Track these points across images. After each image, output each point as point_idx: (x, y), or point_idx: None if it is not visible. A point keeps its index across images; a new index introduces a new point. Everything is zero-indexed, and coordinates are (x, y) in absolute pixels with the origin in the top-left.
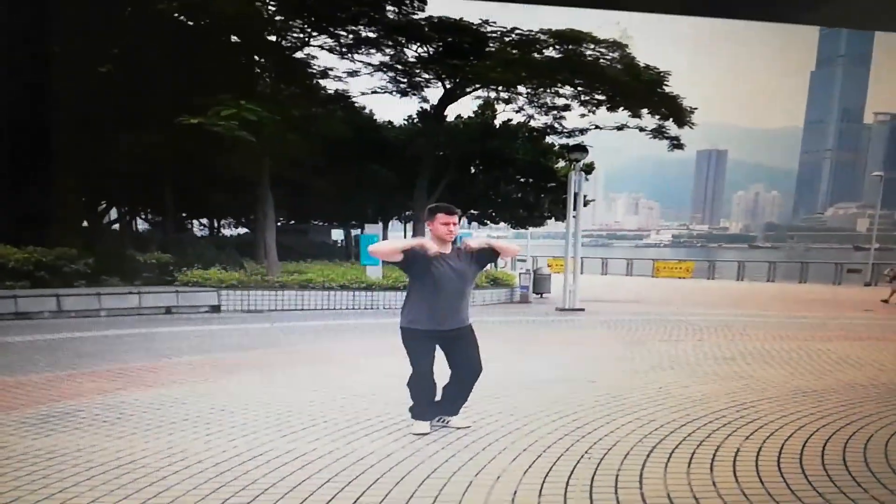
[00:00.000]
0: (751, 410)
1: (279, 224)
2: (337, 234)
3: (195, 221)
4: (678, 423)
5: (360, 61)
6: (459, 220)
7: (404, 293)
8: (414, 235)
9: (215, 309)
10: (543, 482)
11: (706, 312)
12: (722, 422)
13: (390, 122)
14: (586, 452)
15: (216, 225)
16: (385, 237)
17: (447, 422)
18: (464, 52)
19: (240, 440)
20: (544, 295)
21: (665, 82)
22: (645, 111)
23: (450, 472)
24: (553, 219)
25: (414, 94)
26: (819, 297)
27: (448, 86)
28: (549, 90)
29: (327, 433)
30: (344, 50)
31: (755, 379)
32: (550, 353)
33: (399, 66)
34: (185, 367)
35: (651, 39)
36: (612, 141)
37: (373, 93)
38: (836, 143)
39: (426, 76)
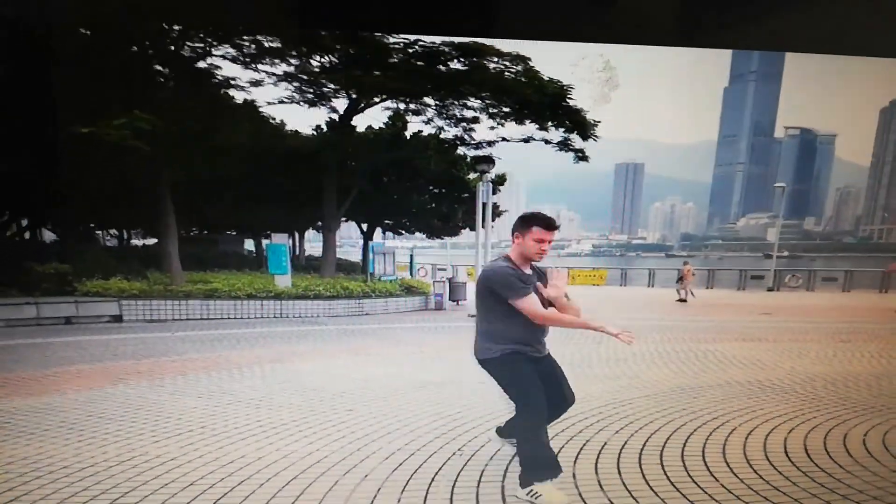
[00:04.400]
0: (628, 407)
1: (190, 234)
2: (251, 245)
3: (103, 232)
4: (556, 420)
5: (265, 71)
6: (373, 230)
7: (314, 301)
8: (325, 245)
9: (117, 319)
10: (409, 479)
11: (611, 317)
12: (598, 418)
13: (296, 132)
14: (458, 449)
15: (125, 236)
16: (301, 247)
17: None
18: (367, 64)
19: (111, 446)
20: (461, 302)
21: (568, 95)
22: (550, 124)
23: (318, 473)
24: (469, 229)
25: (322, 105)
26: (722, 302)
27: (354, 96)
28: (456, 102)
29: (202, 438)
30: (247, 60)
31: (640, 379)
32: (449, 357)
33: (304, 77)
34: (74, 375)
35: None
36: (534, 154)
37: (280, 102)
38: (748, 156)
39: (333, 86)
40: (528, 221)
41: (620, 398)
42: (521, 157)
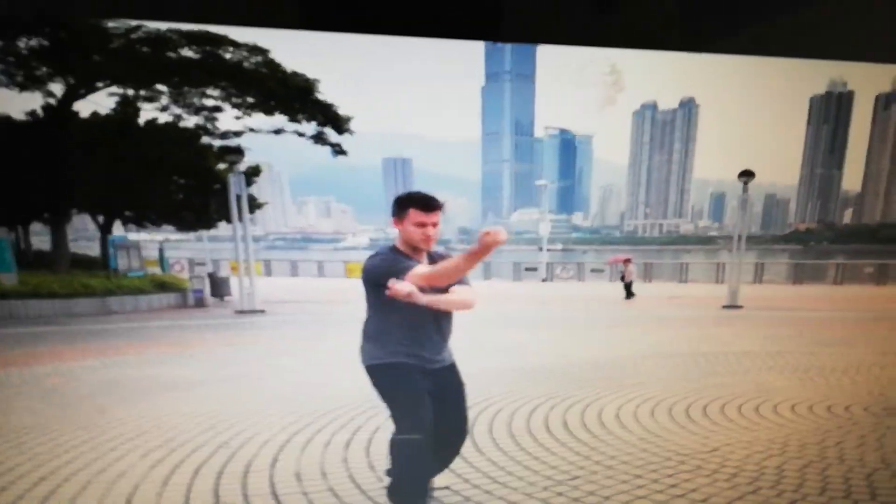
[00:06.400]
0: None
1: None
2: None
3: None
4: (323, 411)
5: None
6: (111, 223)
7: (50, 301)
8: (55, 239)
9: None
10: (171, 474)
11: None
12: (371, 405)
13: (8, 117)
14: (225, 443)
15: None
16: (28, 242)
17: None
18: (84, 48)
19: None
20: (225, 298)
21: (315, 90)
22: (301, 116)
23: (68, 474)
24: (226, 221)
25: (36, 89)
26: (499, 293)
27: (72, 81)
28: (193, 90)
29: None
30: None
31: None
32: (218, 355)
33: (10, 59)
34: None
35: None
36: (295, 146)
37: None
38: (511, 154)
39: (46, 70)
40: (403, 204)
41: None
42: (280, 149)
